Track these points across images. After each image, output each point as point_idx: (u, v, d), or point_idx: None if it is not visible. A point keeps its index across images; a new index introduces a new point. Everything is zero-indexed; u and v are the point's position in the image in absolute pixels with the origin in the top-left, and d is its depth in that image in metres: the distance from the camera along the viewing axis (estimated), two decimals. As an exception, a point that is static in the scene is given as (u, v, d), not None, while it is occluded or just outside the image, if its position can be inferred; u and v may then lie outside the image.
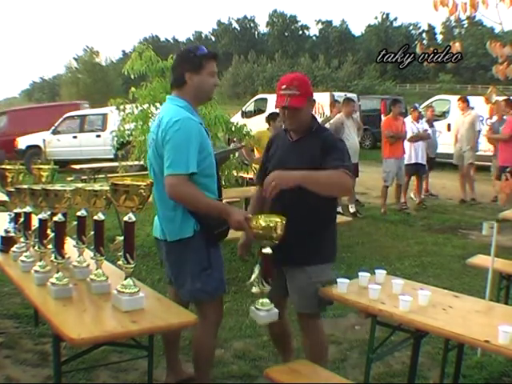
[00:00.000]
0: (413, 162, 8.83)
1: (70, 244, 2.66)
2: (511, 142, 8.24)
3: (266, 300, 2.45)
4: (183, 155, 2.53)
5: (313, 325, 2.92)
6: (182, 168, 2.52)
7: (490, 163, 9.72)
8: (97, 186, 2.47)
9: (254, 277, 2.44)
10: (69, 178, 9.51)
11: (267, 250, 2.41)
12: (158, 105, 5.78)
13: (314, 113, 2.91)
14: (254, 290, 2.45)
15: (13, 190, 2.88)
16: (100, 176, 9.29)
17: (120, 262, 2.25)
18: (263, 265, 2.43)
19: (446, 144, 10.82)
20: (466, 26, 67.26)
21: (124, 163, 7.08)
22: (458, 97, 10.23)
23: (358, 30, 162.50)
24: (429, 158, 9.42)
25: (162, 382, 3.10)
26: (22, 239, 2.86)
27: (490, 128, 9.27)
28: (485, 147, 10.49)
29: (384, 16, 79.08)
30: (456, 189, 10.29)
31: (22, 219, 2.81)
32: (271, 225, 2.36)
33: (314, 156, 2.68)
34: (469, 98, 9.99)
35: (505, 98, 9.10)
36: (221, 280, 2.78)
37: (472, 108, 9.74)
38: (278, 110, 2.92)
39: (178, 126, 2.54)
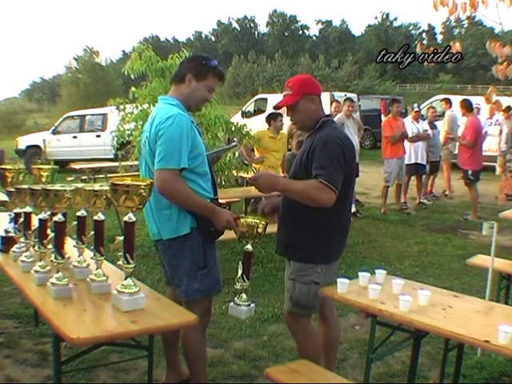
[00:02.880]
0: (413, 161, 8.84)
1: (70, 244, 2.66)
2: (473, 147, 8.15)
3: (245, 296, 2.61)
4: (175, 150, 2.54)
5: (294, 323, 2.87)
6: (173, 163, 2.54)
7: (489, 163, 9.72)
8: (97, 186, 2.47)
9: (239, 274, 2.61)
10: (69, 178, 9.50)
11: (249, 248, 2.59)
12: (157, 105, 5.78)
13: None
14: (237, 285, 2.62)
15: (13, 190, 2.87)
16: (100, 176, 9.28)
17: (120, 262, 2.25)
18: (244, 262, 2.60)
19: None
20: (465, 26, 67.25)
21: (124, 163, 7.08)
22: (462, 98, 10.15)
23: (358, 29, 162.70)
24: (432, 161, 9.43)
25: (162, 382, 3.11)
26: (22, 239, 2.85)
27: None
28: (485, 147, 10.46)
29: (384, 16, 79.03)
30: (456, 189, 10.29)
31: (21, 219, 2.81)
32: (253, 224, 2.59)
33: (304, 157, 2.70)
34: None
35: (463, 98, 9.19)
36: (216, 279, 2.78)
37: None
38: (277, 111, 2.94)
39: (170, 121, 2.58)
